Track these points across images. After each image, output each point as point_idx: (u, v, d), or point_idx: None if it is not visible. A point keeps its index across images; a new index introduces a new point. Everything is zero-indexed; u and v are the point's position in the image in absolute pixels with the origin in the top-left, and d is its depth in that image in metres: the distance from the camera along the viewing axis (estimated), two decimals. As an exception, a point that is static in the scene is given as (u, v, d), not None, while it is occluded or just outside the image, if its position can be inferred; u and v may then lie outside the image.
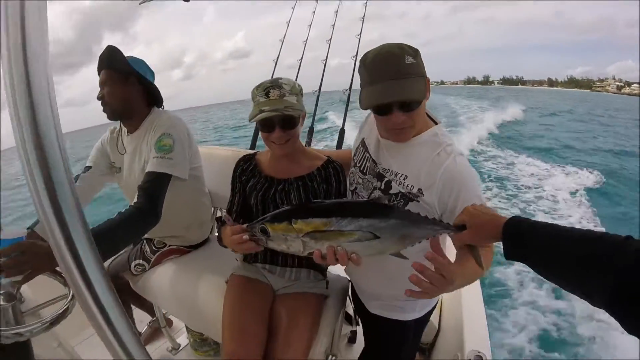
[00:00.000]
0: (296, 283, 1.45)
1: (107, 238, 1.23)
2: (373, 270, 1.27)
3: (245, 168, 1.47)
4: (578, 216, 7.35)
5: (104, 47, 1.58)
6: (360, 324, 1.67)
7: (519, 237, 0.80)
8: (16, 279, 1.00)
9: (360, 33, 2.88)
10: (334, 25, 3.04)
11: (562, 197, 8.48)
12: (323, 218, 0.94)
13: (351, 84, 2.80)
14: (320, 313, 1.43)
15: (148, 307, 2.13)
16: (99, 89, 1.56)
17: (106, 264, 1.81)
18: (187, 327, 2.11)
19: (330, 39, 3.05)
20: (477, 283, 1.97)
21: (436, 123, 1.19)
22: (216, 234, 2.11)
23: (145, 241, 1.80)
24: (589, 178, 10.11)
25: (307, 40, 3.14)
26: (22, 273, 1.02)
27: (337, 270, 1.62)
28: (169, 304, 1.76)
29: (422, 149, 1.11)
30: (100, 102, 1.57)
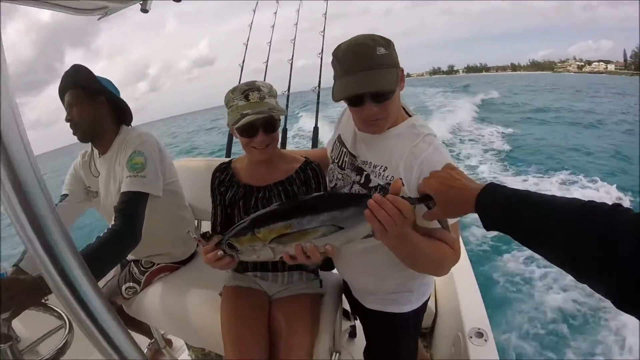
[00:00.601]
0: (290, 286, 1.44)
1: (87, 264, 1.19)
2: (364, 268, 1.28)
3: (223, 179, 1.42)
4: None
5: (67, 63, 1.53)
6: (357, 318, 1.68)
7: (495, 211, 0.76)
8: (4, 316, 0.97)
9: (324, 30, 2.86)
10: (296, 24, 3.01)
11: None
12: (284, 221, 0.93)
13: (319, 81, 2.77)
14: (318, 312, 1.43)
15: (145, 330, 2.08)
16: (67, 110, 1.49)
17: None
18: (187, 345, 2.07)
19: (295, 38, 3.01)
20: (468, 264, 2.03)
21: (410, 115, 1.20)
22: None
23: (132, 263, 1.75)
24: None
25: (271, 41, 3.12)
26: (8, 310, 0.99)
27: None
28: (165, 323, 1.73)
29: (400, 140, 1.11)
30: (69, 124, 1.50)
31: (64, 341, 0.93)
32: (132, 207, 1.38)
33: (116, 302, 1.72)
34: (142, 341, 2.19)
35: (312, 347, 1.31)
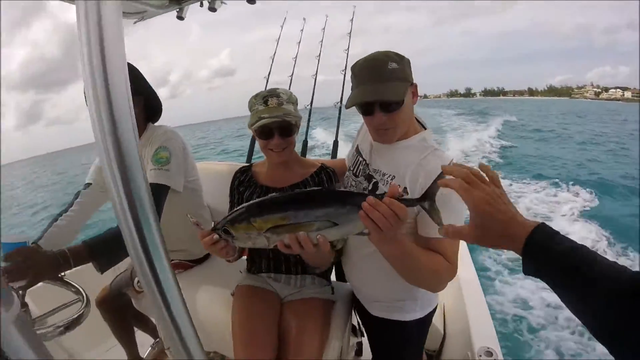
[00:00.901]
0: (302, 289, 1.46)
1: (107, 246, 1.24)
2: (370, 273, 1.30)
3: (242, 179, 1.50)
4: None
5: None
6: (365, 334, 1.67)
7: (550, 262, 0.62)
8: (19, 284, 1.01)
9: (348, 48, 2.93)
10: (322, 41, 3.11)
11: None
12: (280, 213, 0.95)
13: (342, 97, 2.86)
14: (329, 317, 1.44)
15: (151, 329, 2.09)
16: None
17: (109, 281, 1.79)
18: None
19: (320, 54, 3.12)
20: (477, 283, 2.01)
21: (425, 129, 1.26)
22: None
23: None
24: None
25: (296, 57, 3.22)
26: (24, 278, 1.03)
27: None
28: None
29: (410, 152, 1.17)
30: None
31: (81, 312, 0.95)
32: (154, 197, 1.41)
33: (126, 294, 1.74)
34: (147, 341, 2.17)
35: (322, 350, 1.31)
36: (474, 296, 1.90)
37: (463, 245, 2.63)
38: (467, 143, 16.13)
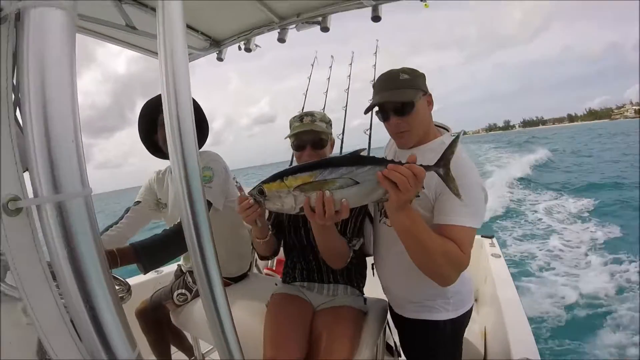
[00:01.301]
0: (334, 298, 1.50)
1: (151, 251, 1.37)
2: (402, 271, 1.31)
3: None
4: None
5: (137, 112, 1.79)
6: (402, 354, 1.64)
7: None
8: None
9: (374, 80, 3.07)
10: (347, 90, 3.35)
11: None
12: (308, 172, 1.03)
13: (370, 124, 3.03)
14: (360, 326, 1.45)
15: (186, 348, 2.14)
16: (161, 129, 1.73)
17: (148, 294, 1.91)
18: None
19: (348, 88, 3.37)
20: (518, 302, 1.98)
21: (448, 130, 1.35)
22: (255, 271, 2.21)
23: (187, 273, 1.87)
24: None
25: (327, 91, 3.47)
26: None
27: (375, 294, 1.68)
28: (210, 335, 1.78)
29: (429, 154, 1.19)
30: (161, 141, 1.75)
31: (121, 296, 1.08)
32: None
33: (166, 307, 1.83)
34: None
35: (351, 356, 1.31)
36: (514, 316, 1.85)
37: (503, 264, 2.61)
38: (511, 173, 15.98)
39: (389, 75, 1.28)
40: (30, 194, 0.44)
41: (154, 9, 1.77)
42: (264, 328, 1.39)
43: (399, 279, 1.37)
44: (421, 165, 0.97)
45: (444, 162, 1.00)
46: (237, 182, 1.26)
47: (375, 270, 1.51)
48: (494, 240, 3.13)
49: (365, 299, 1.57)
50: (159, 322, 1.90)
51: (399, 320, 1.45)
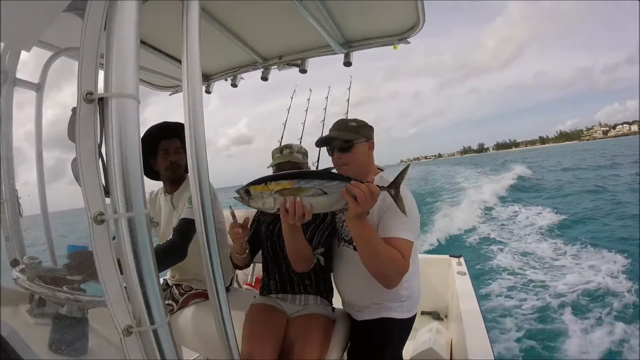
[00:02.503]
0: (306, 307, 1.71)
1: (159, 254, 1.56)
2: (360, 282, 1.53)
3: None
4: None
5: None
6: None
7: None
8: (76, 277, 1.21)
9: (347, 112, 3.47)
10: (325, 108, 3.65)
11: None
12: (288, 180, 1.28)
13: (318, 159, 3.22)
14: (330, 331, 1.63)
15: None
16: (164, 153, 1.96)
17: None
18: None
19: (324, 119, 3.60)
20: (478, 314, 2.20)
21: (383, 170, 1.68)
22: (235, 285, 2.40)
23: (174, 286, 2.04)
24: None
25: (304, 122, 3.72)
26: (81, 274, 1.25)
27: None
28: (194, 341, 1.90)
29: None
30: (172, 164, 1.97)
31: None
32: (187, 229, 1.73)
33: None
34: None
35: (324, 352, 1.49)
36: (474, 327, 2.03)
37: (468, 281, 2.87)
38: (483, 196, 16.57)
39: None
40: (109, 211, 0.67)
41: (155, 48, 2.05)
42: (242, 330, 1.56)
43: (358, 286, 1.58)
44: (377, 185, 1.26)
45: (395, 185, 1.30)
46: (232, 210, 1.51)
47: (335, 284, 1.74)
48: (461, 259, 3.39)
49: (333, 309, 1.77)
50: None
51: (355, 325, 1.66)
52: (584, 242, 8.27)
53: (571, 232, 9.58)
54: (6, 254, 1.34)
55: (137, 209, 0.67)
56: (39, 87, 1.51)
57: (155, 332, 0.71)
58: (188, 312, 1.94)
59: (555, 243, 8.68)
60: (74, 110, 0.64)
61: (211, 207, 0.89)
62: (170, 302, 1.96)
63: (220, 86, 2.82)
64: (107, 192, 0.67)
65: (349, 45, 2.18)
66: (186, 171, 2.04)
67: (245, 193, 1.31)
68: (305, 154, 1.88)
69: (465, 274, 3.03)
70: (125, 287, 0.69)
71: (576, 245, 8.21)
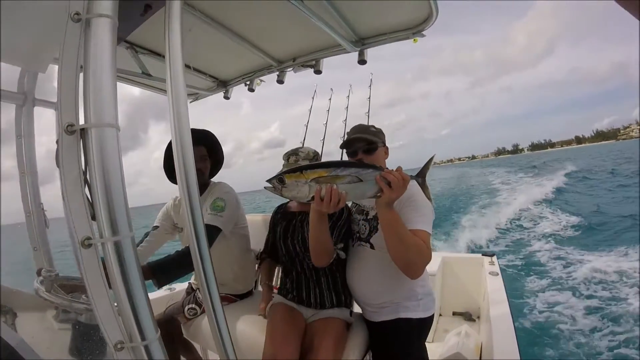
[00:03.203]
0: (323, 310, 1.72)
1: (165, 269, 1.59)
2: (377, 280, 1.58)
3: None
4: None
5: (150, 134, 2.19)
6: None
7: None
8: None
9: (368, 111, 3.40)
10: (347, 107, 3.53)
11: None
12: (324, 168, 1.30)
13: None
14: (346, 333, 1.65)
15: (196, 359, 2.29)
16: (199, 160, 2.00)
17: (162, 309, 2.14)
18: None
19: (346, 119, 3.52)
20: (509, 317, 2.17)
21: None
22: (260, 289, 2.45)
23: (197, 289, 2.09)
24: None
25: (327, 123, 3.68)
26: None
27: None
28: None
29: None
30: (197, 171, 2.02)
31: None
32: (207, 235, 1.82)
33: (177, 320, 2.04)
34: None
35: (338, 355, 1.51)
36: (503, 331, 2.01)
37: (500, 282, 2.80)
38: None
39: (361, 125, 1.68)
40: (96, 235, 0.70)
41: (163, 55, 2.07)
42: (266, 328, 1.62)
43: (375, 284, 1.60)
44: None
45: (422, 174, 1.38)
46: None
47: (349, 284, 1.73)
48: (494, 258, 3.33)
49: (351, 312, 1.77)
50: (171, 334, 2.09)
51: (373, 328, 1.66)
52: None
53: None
54: (34, 263, 1.45)
55: (123, 232, 0.70)
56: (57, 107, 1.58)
57: (146, 347, 0.75)
58: None
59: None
60: (57, 142, 0.67)
61: (200, 211, 0.92)
62: (194, 306, 2.01)
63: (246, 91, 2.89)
64: (94, 217, 0.71)
65: (362, 42, 2.15)
66: (210, 177, 2.13)
67: (279, 182, 1.31)
68: (313, 157, 1.86)
69: (497, 274, 2.97)
70: (116, 305, 0.73)
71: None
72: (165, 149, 2.04)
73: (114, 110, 0.70)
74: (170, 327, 2.07)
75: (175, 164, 0.89)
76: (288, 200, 1.94)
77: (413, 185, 1.39)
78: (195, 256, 0.91)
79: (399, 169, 1.31)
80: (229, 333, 0.97)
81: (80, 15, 0.70)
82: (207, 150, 2.07)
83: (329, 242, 1.55)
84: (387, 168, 1.54)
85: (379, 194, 1.31)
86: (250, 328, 1.79)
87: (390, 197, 1.28)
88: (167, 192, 2.31)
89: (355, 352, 1.61)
